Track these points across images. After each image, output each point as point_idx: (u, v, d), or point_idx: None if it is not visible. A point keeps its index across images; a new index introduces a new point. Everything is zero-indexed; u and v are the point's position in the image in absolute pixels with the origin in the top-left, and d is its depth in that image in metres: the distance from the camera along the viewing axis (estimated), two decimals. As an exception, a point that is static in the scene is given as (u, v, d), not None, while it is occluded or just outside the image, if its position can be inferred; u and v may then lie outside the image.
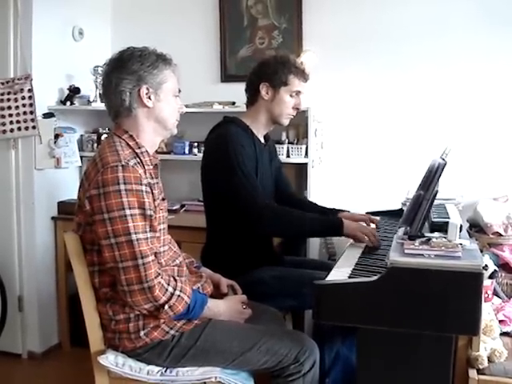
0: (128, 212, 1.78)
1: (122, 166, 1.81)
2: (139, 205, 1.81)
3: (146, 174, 1.89)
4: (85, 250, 1.94)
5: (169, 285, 1.83)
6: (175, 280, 1.88)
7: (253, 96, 2.59)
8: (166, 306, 1.82)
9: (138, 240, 1.78)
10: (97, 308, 1.97)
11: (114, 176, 1.79)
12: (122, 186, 1.78)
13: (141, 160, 1.91)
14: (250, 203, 2.34)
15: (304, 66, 2.59)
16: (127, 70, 1.91)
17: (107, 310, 1.94)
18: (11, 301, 3.44)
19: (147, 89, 1.92)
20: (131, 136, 1.94)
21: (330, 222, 2.45)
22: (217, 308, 2.01)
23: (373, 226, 2.61)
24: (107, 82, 1.96)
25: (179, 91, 2.04)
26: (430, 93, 3.41)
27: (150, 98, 1.93)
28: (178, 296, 1.84)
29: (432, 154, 2.28)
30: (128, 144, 1.92)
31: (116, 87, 1.92)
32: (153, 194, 1.89)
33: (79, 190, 1.94)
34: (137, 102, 1.93)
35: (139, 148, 1.93)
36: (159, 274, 1.82)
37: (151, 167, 1.97)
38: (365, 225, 2.49)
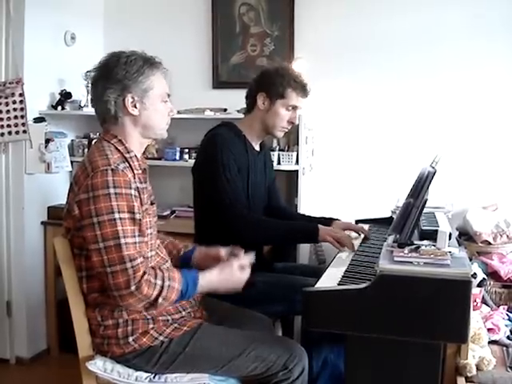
0: (117, 216, 1.77)
1: (112, 169, 1.80)
2: (129, 209, 1.80)
3: (135, 178, 1.88)
4: (73, 255, 1.94)
5: (156, 278, 1.80)
6: (161, 271, 1.85)
7: (250, 104, 2.60)
8: (160, 299, 1.80)
9: (126, 244, 1.76)
10: (85, 313, 1.96)
11: (104, 180, 1.78)
12: (112, 190, 1.78)
13: (130, 164, 1.90)
14: (228, 211, 2.36)
15: (305, 81, 2.57)
16: (112, 79, 1.90)
17: (96, 315, 1.93)
18: (-1, 305, 3.42)
19: (132, 97, 1.91)
20: (120, 140, 1.94)
21: (305, 229, 2.45)
22: (210, 284, 1.95)
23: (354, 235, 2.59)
24: (94, 89, 1.96)
25: (168, 95, 2.02)
26: (421, 101, 3.43)
27: (135, 106, 1.92)
28: (169, 286, 1.81)
29: (422, 162, 2.29)
30: (117, 148, 1.91)
31: (101, 96, 1.92)
32: (141, 198, 1.89)
33: (68, 195, 1.93)
34: (122, 111, 1.92)
35: (128, 153, 1.93)
36: (145, 272, 1.79)
37: (140, 171, 1.97)
38: (340, 231, 2.47)
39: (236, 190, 2.41)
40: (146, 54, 1.98)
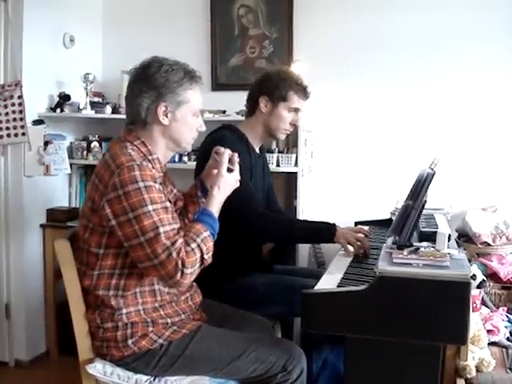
0: (151, 208, 1.77)
1: (138, 165, 1.81)
2: (160, 199, 1.81)
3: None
4: (87, 254, 1.92)
5: (190, 244, 1.80)
6: (187, 234, 1.83)
7: (252, 107, 2.60)
8: (205, 256, 1.82)
9: (165, 232, 1.76)
10: (85, 315, 1.96)
11: (132, 175, 1.78)
12: (141, 184, 1.78)
13: (152, 166, 1.91)
14: (243, 209, 2.35)
15: (306, 84, 2.59)
16: (149, 84, 1.91)
17: (95, 317, 1.93)
18: (-2, 308, 3.42)
19: (165, 106, 1.91)
20: (143, 142, 1.94)
21: (322, 228, 2.43)
22: (217, 202, 1.95)
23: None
24: (129, 91, 1.97)
25: (201, 112, 2.03)
26: (420, 103, 3.44)
27: (166, 115, 1.92)
28: (201, 240, 1.82)
29: (421, 163, 2.29)
30: (140, 150, 1.92)
31: (135, 98, 1.93)
32: (164, 195, 1.89)
33: (91, 192, 1.90)
34: (153, 118, 1.93)
35: (151, 155, 1.94)
36: (181, 249, 1.77)
37: (162, 174, 1.97)
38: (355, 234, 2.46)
39: (247, 187, 2.41)
40: (189, 66, 1.99)
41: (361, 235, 2.37)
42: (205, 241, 1.83)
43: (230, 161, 2.03)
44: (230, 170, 2.01)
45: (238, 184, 2.04)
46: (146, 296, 1.94)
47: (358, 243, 2.29)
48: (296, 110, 2.57)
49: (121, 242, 1.83)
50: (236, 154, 2.06)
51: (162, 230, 1.76)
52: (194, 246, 1.80)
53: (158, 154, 1.97)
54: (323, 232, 2.40)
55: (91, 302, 1.95)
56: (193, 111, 1.98)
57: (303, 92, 2.57)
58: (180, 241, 1.78)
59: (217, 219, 1.92)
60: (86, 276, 1.93)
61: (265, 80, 2.59)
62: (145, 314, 1.93)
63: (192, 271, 1.78)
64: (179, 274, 1.75)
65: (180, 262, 1.75)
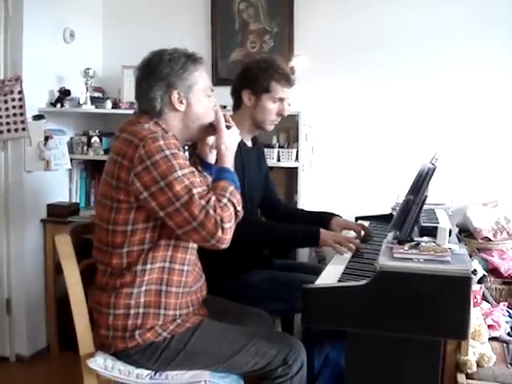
0: (180, 173, 1.79)
1: (160, 135, 1.84)
2: (187, 165, 1.84)
3: None
4: (112, 234, 1.90)
5: (221, 200, 1.82)
6: (214, 192, 1.85)
7: (237, 101, 2.58)
8: (237, 207, 1.85)
9: (198, 193, 1.78)
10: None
11: (157, 145, 1.80)
12: (168, 152, 1.80)
13: None
14: None
15: (288, 70, 2.56)
16: (157, 77, 1.93)
17: (110, 301, 1.91)
18: (-1, 303, 3.42)
19: (178, 93, 1.94)
20: (157, 123, 1.95)
21: (305, 233, 2.40)
22: (228, 157, 1.99)
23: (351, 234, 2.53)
24: (138, 88, 1.99)
25: (212, 90, 2.05)
26: (420, 98, 3.44)
27: (181, 102, 1.95)
28: (230, 194, 1.85)
29: (422, 158, 2.29)
30: (155, 128, 1.93)
31: (147, 94, 1.95)
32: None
33: (113, 171, 1.87)
34: (168, 107, 1.95)
35: (166, 133, 1.94)
36: (216, 206, 1.79)
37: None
38: (341, 233, 2.42)
39: None
40: (188, 50, 2.02)
41: (344, 237, 2.36)
42: (233, 194, 1.86)
43: (225, 120, 2.05)
44: (227, 128, 2.04)
45: (239, 138, 2.08)
46: (173, 274, 1.94)
47: (350, 245, 2.27)
48: (281, 100, 2.52)
49: (148, 216, 1.86)
50: (227, 113, 2.09)
51: (195, 191, 1.78)
52: (225, 200, 1.82)
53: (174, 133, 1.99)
54: (308, 238, 2.38)
55: (110, 285, 1.93)
56: (204, 91, 2.01)
57: (286, 80, 2.51)
58: (213, 198, 1.80)
59: (235, 173, 1.96)
60: (114, 255, 1.92)
61: (245, 72, 2.55)
62: (166, 296, 1.93)
63: (230, 225, 1.81)
64: (220, 231, 1.77)
65: (219, 218, 1.77)
